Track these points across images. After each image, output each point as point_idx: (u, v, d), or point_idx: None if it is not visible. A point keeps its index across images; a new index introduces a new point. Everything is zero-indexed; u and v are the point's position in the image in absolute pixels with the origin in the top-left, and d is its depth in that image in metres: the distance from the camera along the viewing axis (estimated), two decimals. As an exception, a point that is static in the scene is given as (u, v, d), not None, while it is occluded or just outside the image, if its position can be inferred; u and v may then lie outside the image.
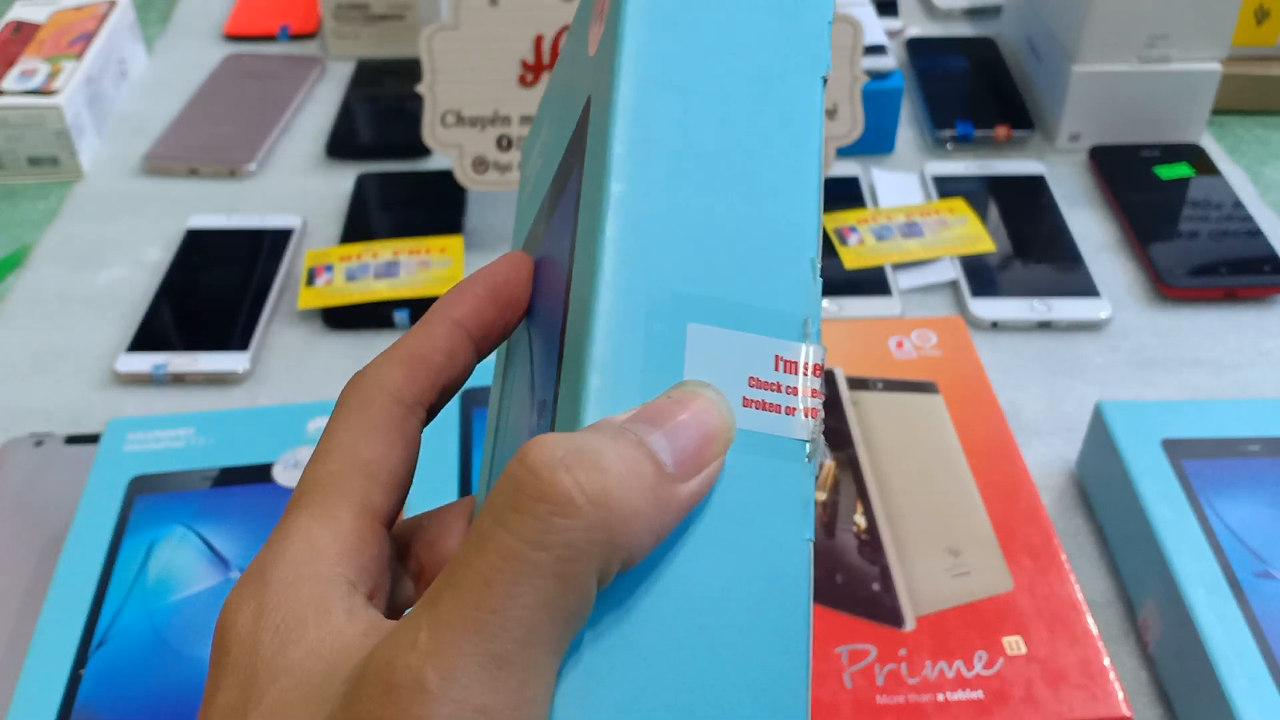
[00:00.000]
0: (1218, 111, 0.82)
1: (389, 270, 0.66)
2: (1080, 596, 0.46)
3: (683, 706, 0.18)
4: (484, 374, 0.53)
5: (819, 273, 0.19)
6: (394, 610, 0.24)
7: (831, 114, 0.65)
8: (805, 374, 0.19)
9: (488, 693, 0.17)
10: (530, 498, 0.18)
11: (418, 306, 0.65)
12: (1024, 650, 0.44)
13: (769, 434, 0.19)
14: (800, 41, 0.21)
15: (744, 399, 0.19)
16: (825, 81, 0.21)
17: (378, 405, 0.24)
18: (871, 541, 0.48)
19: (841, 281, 0.67)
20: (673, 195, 0.19)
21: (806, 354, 0.19)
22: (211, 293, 0.67)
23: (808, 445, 0.19)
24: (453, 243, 0.68)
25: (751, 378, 0.19)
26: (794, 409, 0.19)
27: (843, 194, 0.74)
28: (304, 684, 0.19)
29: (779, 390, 0.19)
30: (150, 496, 0.49)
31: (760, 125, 0.20)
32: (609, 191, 0.19)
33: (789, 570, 0.19)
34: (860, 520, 0.49)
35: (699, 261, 0.19)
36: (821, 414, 0.19)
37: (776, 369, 0.19)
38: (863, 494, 0.50)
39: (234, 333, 0.64)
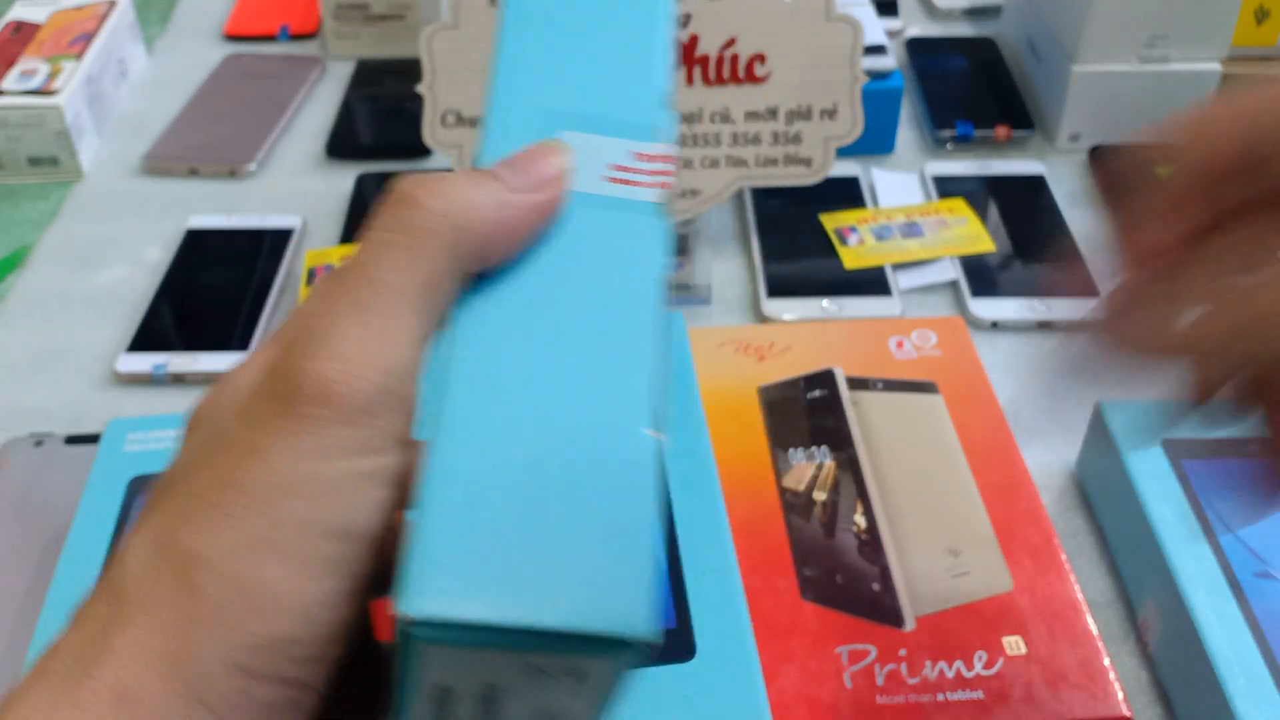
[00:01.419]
0: (1218, 111, 0.82)
1: (389, 270, 0.66)
2: (1080, 596, 0.46)
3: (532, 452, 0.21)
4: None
5: (668, 97, 0.27)
6: None
7: (832, 114, 0.65)
8: (654, 161, 0.26)
9: (356, 327, 0.22)
10: (388, 204, 0.24)
11: (418, 306, 0.65)
12: (1024, 650, 0.44)
13: (626, 198, 0.25)
14: None
15: (605, 178, 0.25)
16: None
17: None
18: (871, 541, 0.48)
19: (841, 281, 0.67)
20: (547, 48, 0.28)
21: (654, 149, 0.26)
22: (212, 293, 0.67)
23: (660, 205, 0.25)
24: (453, 243, 0.68)
25: (611, 164, 0.25)
26: (645, 184, 0.25)
27: (843, 194, 0.74)
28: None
29: (634, 172, 0.25)
30: (150, 496, 0.49)
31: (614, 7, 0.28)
32: (498, 44, 0.28)
33: (641, 297, 0.24)
34: (860, 520, 0.49)
35: (572, 89, 0.27)
36: (671, 184, 0.26)
37: (633, 158, 0.26)
38: (863, 494, 0.50)
39: (234, 333, 0.64)
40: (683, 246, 0.68)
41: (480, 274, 0.24)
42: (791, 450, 0.52)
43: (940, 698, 0.43)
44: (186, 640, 0.20)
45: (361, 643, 0.23)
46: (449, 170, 0.23)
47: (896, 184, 0.76)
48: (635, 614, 0.19)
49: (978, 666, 0.44)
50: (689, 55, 0.65)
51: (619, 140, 0.26)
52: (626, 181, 0.25)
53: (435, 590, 0.19)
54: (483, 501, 0.20)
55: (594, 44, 0.28)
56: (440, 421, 0.22)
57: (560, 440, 0.21)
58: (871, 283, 0.67)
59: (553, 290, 0.23)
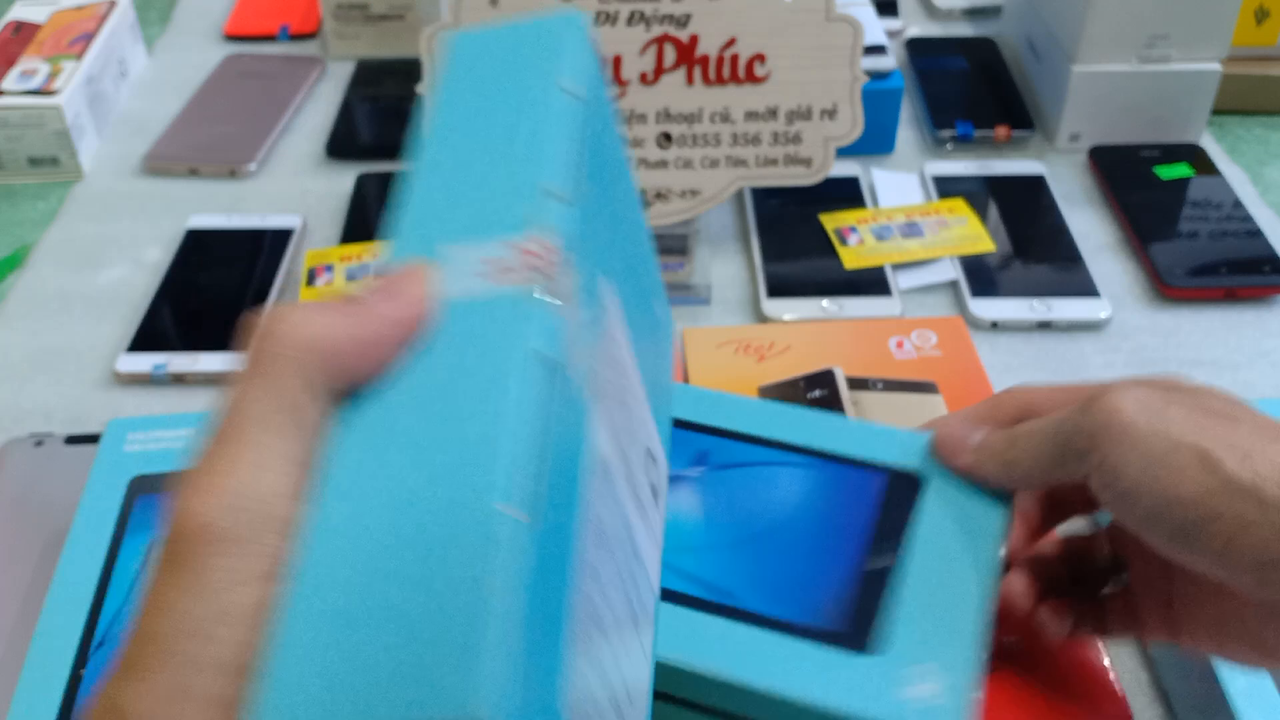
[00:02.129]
0: (1217, 111, 0.82)
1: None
2: (1080, 596, 0.46)
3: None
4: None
5: (561, 185, 0.28)
6: None
7: (832, 114, 0.65)
8: (527, 251, 0.26)
9: (221, 460, 0.23)
10: (249, 340, 0.25)
11: (418, 306, 0.65)
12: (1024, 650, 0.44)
13: (497, 290, 0.25)
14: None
15: (477, 274, 0.26)
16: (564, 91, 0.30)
17: None
18: (871, 541, 0.48)
19: (841, 281, 0.67)
20: (445, 171, 0.29)
21: (526, 239, 0.26)
22: (212, 293, 0.67)
23: (533, 288, 0.25)
24: (453, 243, 0.68)
25: (483, 259, 0.26)
26: (516, 272, 0.26)
27: (842, 194, 0.74)
28: None
29: (504, 264, 0.26)
30: (150, 496, 0.49)
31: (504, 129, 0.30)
32: (408, 180, 0.30)
33: (503, 379, 0.23)
34: (860, 520, 0.49)
35: (460, 204, 0.28)
36: (548, 267, 0.26)
37: (506, 251, 0.26)
38: (863, 494, 0.50)
39: (234, 333, 0.64)
40: (683, 246, 0.68)
41: (358, 389, 0.25)
42: (791, 450, 0.52)
43: (940, 698, 0.42)
44: None
45: None
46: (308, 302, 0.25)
47: (896, 184, 0.76)
48: (462, 697, 0.18)
49: (978, 666, 0.43)
50: (689, 55, 0.65)
51: (493, 239, 0.27)
52: (501, 273, 0.26)
53: None
54: (331, 625, 0.20)
55: (487, 150, 0.29)
56: (303, 539, 0.22)
57: (413, 536, 0.21)
58: (871, 283, 0.67)
59: (418, 390, 0.24)
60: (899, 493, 0.40)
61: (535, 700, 0.20)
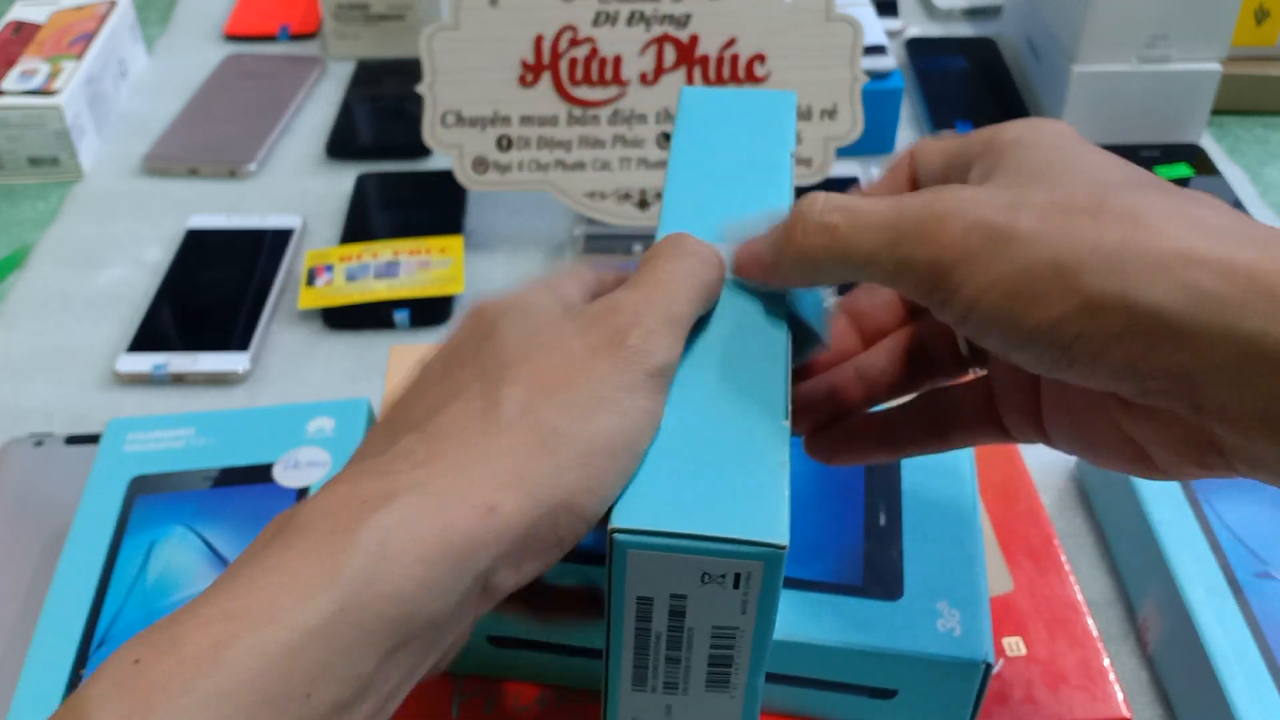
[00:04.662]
0: (1217, 112, 0.82)
1: (389, 270, 0.66)
2: (1080, 597, 0.46)
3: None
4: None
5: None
6: None
7: (832, 114, 0.65)
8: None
9: (670, 343, 0.30)
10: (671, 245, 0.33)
11: (418, 307, 0.65)
12: (1024, 651, 0.44)
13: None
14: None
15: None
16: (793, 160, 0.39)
17: None
18: (871, 541, 0.48)
19: (841, 281, 0.66)
20: (691, 195, 0.38)
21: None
22: (211, 293, 0.67)
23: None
24: (453, 243, 0.68)
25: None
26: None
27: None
28: None
29: None
30: (150, 496, 0.49)
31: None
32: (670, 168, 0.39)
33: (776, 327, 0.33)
34: (860, 520, 0.49)
35: (719, 203, 0.37)
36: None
37: None
38: (863, 494, 0.50)
39: (234, 333, 0.64)
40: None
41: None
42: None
43: (940, 698, 0.43)
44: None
45: None
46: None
47: (896, 184, 0.76)
48: (771, 527, 0.27)
49: (978, 667, 0.44)
50: (689, 55, 0.65)
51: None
52: None
53: (636, 513, 0.27)
54: (666, 461, 0.29)
55: (735, 184, 0.38)
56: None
57: (720, 423, 0.30)
58: (871, 283, 0.67)
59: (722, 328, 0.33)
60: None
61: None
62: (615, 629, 0.29)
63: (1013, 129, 0.31)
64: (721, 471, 0.28)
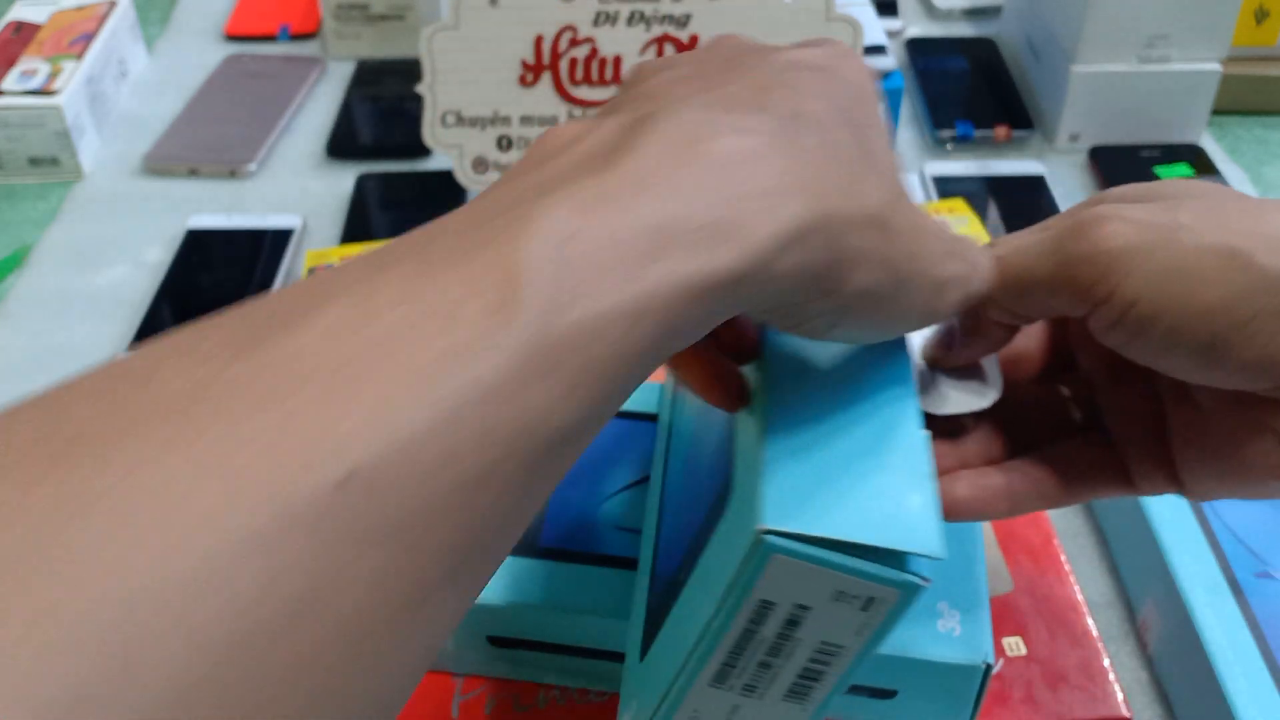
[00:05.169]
0: (1217, 112, 0.82)
1: (389, 270, 0.66)
2: (1080, 597, 0.46)
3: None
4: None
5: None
6: None
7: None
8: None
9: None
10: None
11: (418, 306, 0.65)
12: (1024, 651, 0.44)
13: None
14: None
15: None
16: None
17: None
18: (871, 542, 0.48)
19: (841, 282, 0.66)
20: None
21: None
22: (212, 293, 0.67)
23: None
24: (453, 243, 0.68)
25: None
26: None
27: (843, 194, 0.74)
28: None
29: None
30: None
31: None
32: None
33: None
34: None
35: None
36: None
37: None
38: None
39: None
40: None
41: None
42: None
43: (940, 698, 0.43)
44: None
45: None
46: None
47: (896, 184, 0.76)
48: (926, 539, 0.26)
49: (978, 667, 0.44)
50: (689, 55, 0.65)
51: None
52: None
53: (786, 515, 0.26)
54: (809, 465, 0.27)
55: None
56: (766, 412, 0.29)
57: (859, 433, 0.28)
58: (871, 283, 0.67)
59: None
60: None
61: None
62: (717, 625, 0.28)
63: (1093, 204, 0.31)
64: (869, 481, 0.27)
